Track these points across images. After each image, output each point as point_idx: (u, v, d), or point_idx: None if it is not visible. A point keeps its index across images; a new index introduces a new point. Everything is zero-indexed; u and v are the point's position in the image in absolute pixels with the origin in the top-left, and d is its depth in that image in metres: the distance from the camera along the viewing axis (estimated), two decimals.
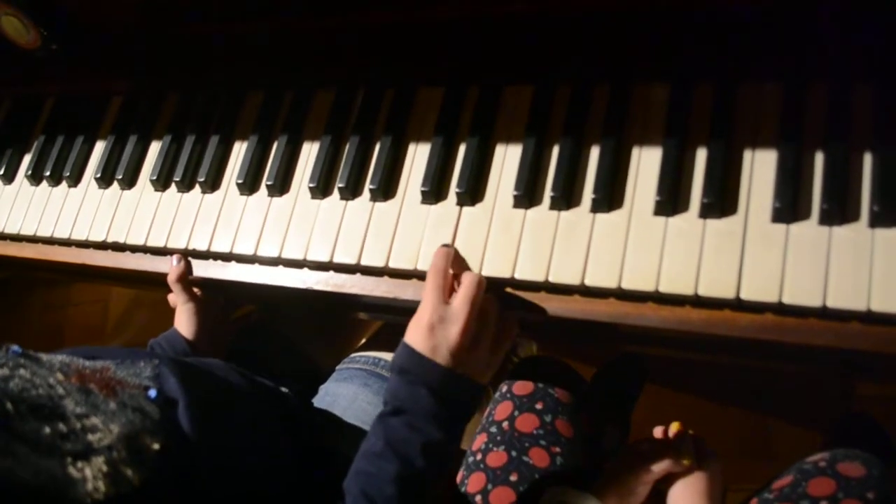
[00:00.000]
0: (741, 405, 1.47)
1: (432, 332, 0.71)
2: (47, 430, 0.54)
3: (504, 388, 0.99)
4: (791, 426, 1.43)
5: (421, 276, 0.85)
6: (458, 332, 0.70)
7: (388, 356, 1.02)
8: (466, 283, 0.73)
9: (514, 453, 0.89)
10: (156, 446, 0.60)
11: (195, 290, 1.00)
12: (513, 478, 0.87)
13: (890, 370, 0.85)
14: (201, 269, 0.97)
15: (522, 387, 0.97)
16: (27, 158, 1.15)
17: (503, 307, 0.78)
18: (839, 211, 0.70)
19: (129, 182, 1.05)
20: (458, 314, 0.71)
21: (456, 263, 0.79)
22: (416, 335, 0.72)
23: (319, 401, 1.02)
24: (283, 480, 0.76)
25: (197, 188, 1.01)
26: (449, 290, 0.74)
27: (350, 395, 1.00)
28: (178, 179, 1.01)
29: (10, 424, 0.53)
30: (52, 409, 0.57)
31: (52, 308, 2.14)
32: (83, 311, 2.16)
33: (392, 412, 0.72)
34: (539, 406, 0.94)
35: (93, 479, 0.53)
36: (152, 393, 0.68)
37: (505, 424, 0.94)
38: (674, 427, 0.84)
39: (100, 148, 1.10)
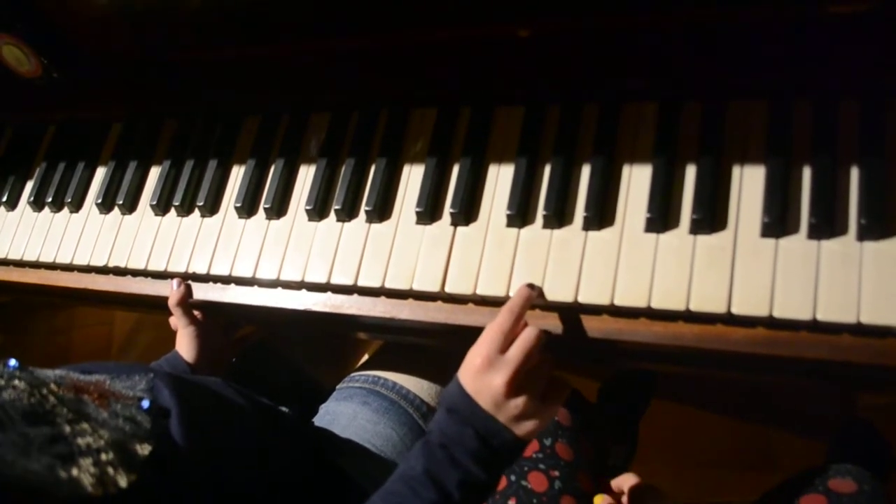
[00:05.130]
0: (743, 416, 1.47)
1: (480, 375, 0.70)
2: (36, 434, 0.57)
3: None
4: (794, 436, 1.43)
5: (417, 296, 0.86)
6: (502, 383, 0.69)
7: (387, 374, 1.03)
8: (525, 336, 0.71)
9: (512, 478, 0.89)
10: (146, 451, 0.62)
11: (196, 313, 1.01)
12: (511, 503, 0.88)
13: (886, 380, 0.85)
14: (201, 291, 0.99)
15: None
16: (29, 185, 1.17)
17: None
18: (827, 225, 0.71)
19: (130, 207, 1.06)
20: (507, 365, 0.70)
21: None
22: (466, 374, 0.72)
23: (319, 419, 1.03)
24: (280, 496, 0.77)
25: (196, 212, 1.02)
26: (512, 336, 0.72)
27: (350, 413, 1.00)
28: (177, 204, 1.02)
29: None
30: (43, 415, 0.60)
31: (57, 331, 2.15)
32: (88, 334, 2.17)
33: (437, 443, 0.71)
34: None
35: (80, 479, 0.55)
36: (145, 403, 0.70)
37: None
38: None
39: (100, 174, 1.12)
